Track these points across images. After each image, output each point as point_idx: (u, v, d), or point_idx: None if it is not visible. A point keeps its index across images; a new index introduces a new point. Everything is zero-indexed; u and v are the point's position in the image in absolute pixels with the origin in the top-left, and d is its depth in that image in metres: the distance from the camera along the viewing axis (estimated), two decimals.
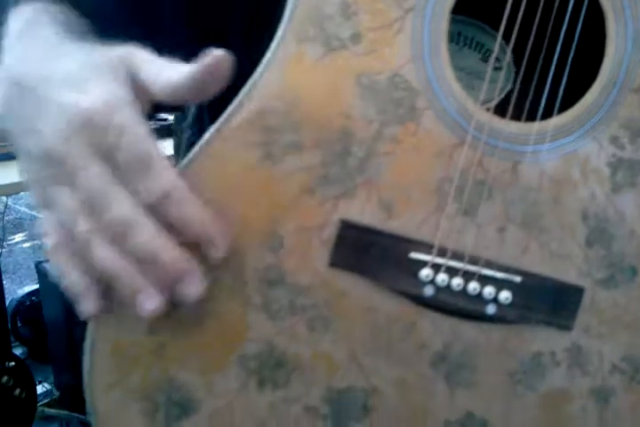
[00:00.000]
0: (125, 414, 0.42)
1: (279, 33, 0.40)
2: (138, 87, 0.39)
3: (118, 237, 0.37)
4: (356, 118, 0.42)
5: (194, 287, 0.38)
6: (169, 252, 0.37)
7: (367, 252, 0.42)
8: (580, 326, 0.45)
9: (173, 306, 0.39)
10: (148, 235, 0.37)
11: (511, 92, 0.49)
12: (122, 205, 0.36)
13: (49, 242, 0.38)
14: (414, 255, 0.42)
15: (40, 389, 1.55)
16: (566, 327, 0.45)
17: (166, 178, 0.37)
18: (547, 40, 0.45)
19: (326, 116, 0.41)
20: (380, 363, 0.43)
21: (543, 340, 0.45)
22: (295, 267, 0.42)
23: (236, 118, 0.41)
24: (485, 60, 0.51)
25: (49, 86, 0.39)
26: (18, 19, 0.47)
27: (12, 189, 1.40)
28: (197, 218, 0.38)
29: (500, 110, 0.45)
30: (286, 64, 0.41)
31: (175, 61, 0.39)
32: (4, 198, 2.03)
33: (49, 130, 0.37)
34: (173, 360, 0.42)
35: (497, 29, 0.43)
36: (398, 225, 0.43)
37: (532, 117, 0.44)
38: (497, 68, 0.50)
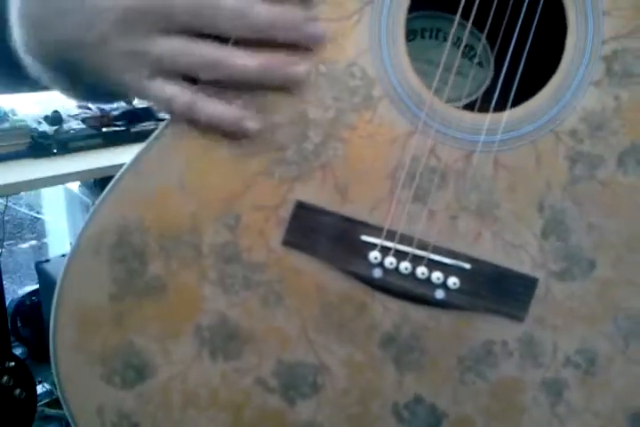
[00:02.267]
0: (85, 375, 0.45)
1: None
2: None
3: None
4: (313, 104, 0.44)
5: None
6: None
7: (320, 233, 0.44)
8: (534, 316, 0.46)
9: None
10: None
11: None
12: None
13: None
14: (365, 238, 0.44)
15: (40, 389, 1.56)
16: (518, 317, 0.45)
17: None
18: (515, 35, 0.45)
19: (284, 100, 0.43)
20: (330, 341, 0.45)
21: (494, 328, 0.45)
22: (250, 244, 0.44)
23: None
24: (465, 56, 0.53)
25: None
26: None
27: (11, 190, 1.39)
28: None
29: (474, 104, 0.46)
30: None
31: None
32: (4, 199, 2.04)
33: None
34: (133, 326, 0.44)
35: (478, 26, 0.45)
36: (351, 208, 0.44)
37: (501, 109, 0.45)
38: (477, 64, 0.52)
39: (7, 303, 1.60)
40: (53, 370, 0.45)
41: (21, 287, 1.98)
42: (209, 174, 0.44)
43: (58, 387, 0.45)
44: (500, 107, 0.45)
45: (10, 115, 1.46)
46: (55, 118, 1.48)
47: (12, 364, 1.30)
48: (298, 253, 0.44)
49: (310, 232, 0.44)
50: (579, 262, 0.46)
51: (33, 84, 0.56)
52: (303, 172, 0.44)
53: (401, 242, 0.44)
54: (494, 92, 0.45)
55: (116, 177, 0.44)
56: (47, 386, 1.61)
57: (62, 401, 0.45)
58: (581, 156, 0.45)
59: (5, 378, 1.27)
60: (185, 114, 0.42)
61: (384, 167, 0.44)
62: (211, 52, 0.41)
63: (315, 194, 0.44)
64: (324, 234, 0.44)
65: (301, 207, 0.44)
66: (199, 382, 0.45)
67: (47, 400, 1.56)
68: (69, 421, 0.45)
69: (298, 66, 0.42)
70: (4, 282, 1.54)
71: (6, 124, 1.41)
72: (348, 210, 0.44)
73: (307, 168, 0.44)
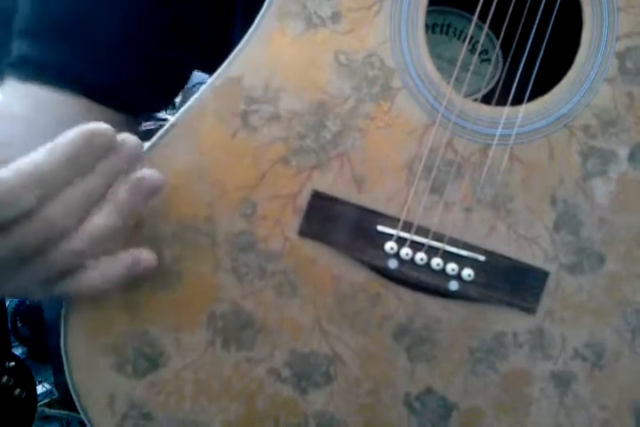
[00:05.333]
0: (96, 364, 0.44)
1: (263, 7, 0.43)
2: None
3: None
4: (332, 94, 0.44)
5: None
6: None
7: (336, 222, 0.44)
8: (544, 309, 0.46)
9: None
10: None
11: (498, 81, 0.51)
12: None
13: None
14: (381, 228, 0.44)
15: (40, 389, 1.52)
16: (529, 310, 0.46)
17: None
18: (534, 30, 0.46)
19: (304, 90, 0.43)
20: (343, 331, 0.45)
21: (506, 320, 0.46)
22: (266, 233, 0.44)
23: (216, 87, 0.43)
24: (474, 51, 0.53)
25: None
26: None
27: None
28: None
29: (489, 98, 0.47)
30: (268, 38, 0.43)
31: None
32: None
33: None
34: (146, 315, 0.44)
35: (492, 23, 0.45)
36: (368, 198, 0.44)
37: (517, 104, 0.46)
38: (485, 60, 0.52)
39: (7, 303, 1.57)
40: (63, 359, 0.44)
41: None
42: (226, 163, 0.44)
43: (68, 377, 0.44)
44: (512, 102, 0.46)
45: None
46: None
47: (12, 364, 1.28)
48: (313, 243, 0.44)
49: (326, 222, 0.44)
50: (589, 256, 0.46)
51: None
52: (321, 161, 0.44)
53: (417, 233, 0.44)
54: (509, 86, 0.46)
55: None
56: (47, 386, 1.59)
57: (72, 391, 0.44)
58: (594, 151, 0.46)
59: (5, 378, 1.24)
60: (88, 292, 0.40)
61: (401, 158, 0.44)
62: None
63: (332, 183, 0.44)
64: (340, 224, 0.44)
65: (318, 197, 0.44)
66: (211, 372, 0.44)
67: (47, 400, 1.54)
68: (79, 410, 0.44)
69: (146, 261, 0.41)
70: None
71: None
72: (365, 200, 0.44)
73: (324, 157, 0.44)
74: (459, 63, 0.45)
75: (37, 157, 0.35)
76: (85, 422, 0.44)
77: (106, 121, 0.37)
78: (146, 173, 0.38)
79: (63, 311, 0.44)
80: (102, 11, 0.54)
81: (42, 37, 0.54)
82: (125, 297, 0.44)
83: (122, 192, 0.38)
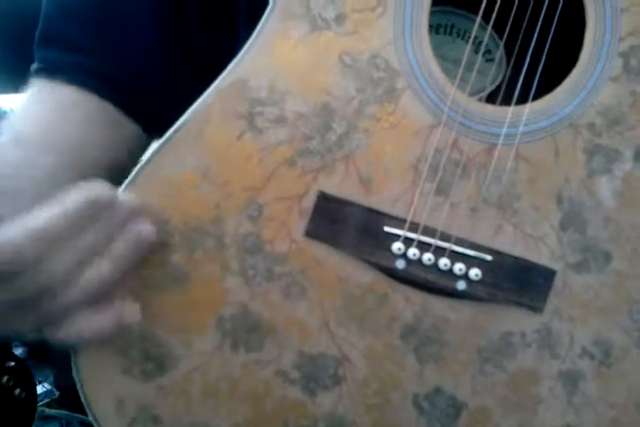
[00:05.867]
0: (105, 367, 0.44)
1: (267, 10, 0.43)
2: None
3: None
4: (337, 95, 0.44)
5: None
6: None
7: (343, 224, 0.44)
8: (551, 308, 0.46)
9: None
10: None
11: (502, 81, 0.51)
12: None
13: None
14: (387, 229, 0.44)
15: (40, 389, 1.50)
16: (537, 309, 0.46)
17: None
18: (537, 30, 0.46)
19: (309, 92, 0.43)
20: (351, 332, 0.45)
21: (513, 320, 0.46)
22: (273, 235, 0.44)
23: (221, 89, 0.43)
24: (478, 51, 0.53)
25: None
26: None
27: None
28: None
29: (491, 98, 0.47)
30: (272, 40, 0.43)
31: None
32: None
33: None
34: (155, 317, 0.44)
35: (496, 23, 0.45)
36: (374, 200, 0.44)
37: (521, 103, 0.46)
38: (489, 60, 0.52)
39: None
40: (72, 362, 0.44)
41: None
42: (232, 165, 0.44)
43: (76, 379, 0.44)
44: (516, 101, 0.46)
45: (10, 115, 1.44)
46: None
47: (12, 364, 1.28)
48: (320, 245, 0.44)
49: (333, 223, 0.44)
50: (595, 255, 0.46)
51: None
52: (326, 163, 0.44)
53: (424, 233, 0.44)
54: (514, 86, 0.46)
55: (138, 166, 0.43)
56: (47, 386, 1.58)
57: (80, 394, 0.44)
58: (599, 149, 0.46)
59: (5, 378, 1.24)
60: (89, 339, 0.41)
61: (407, 159, 0.44)
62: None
63: (338, 185, 0.44)
64: (346, 225, 0.44)
65: (324, 198, 0.44)
66: (220, 374, 0.44)
67: (47, 400, 1.53)
68: (87, 413, 0.44)
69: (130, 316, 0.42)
70: None
71: None
72: (371, 201, 0.44)
73: (330, 159, 0.44)
74: (463, 63, 0.45)
75: (41, 216, 0.38)
76: (94, 424, 0.44)
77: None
78: (143, 228, 0.41)
79: None
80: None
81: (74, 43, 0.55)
82: (134, 300, 0.44)
83: (119, 246, 0.40)
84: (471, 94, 0.48)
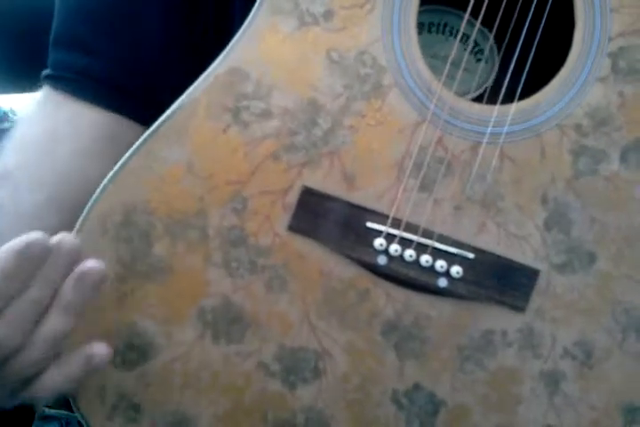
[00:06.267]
0: None
1: (255, 5, 0.43)
2: None
3: None
4: (323, 91, 0.44)
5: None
6: None
7: (326, 219, 0.45)
8: (534, 308, 0.46)
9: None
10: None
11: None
12: None
13: None
14: (370, 225, 0.44)
15: None
16: (519, 308, 0.46)
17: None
18: (525, 29, 0.46)
19: (295, 87, 0.44)
20: (332, 327, 0.45)
21: (495, 318, 0.46)
22: (257, 229, 0.44)
23: (208, 83, 0.44)
24: (470, 50, 0.53)
25: None
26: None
27: None
28: None
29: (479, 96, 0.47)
30: (260, 35, 0.44)
31: None
32: None
33: None
34: (137, 307, 0.44)
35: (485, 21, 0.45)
36: (358, 195, 0.45)
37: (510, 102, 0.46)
38: (480, 60, 0.52)
39: None
40: None
41: None
42: (217, 158, 0.44)
43: None
44: (504, 100, 0.46)
45: (10, 115, 1.45)
46: None
47: None
48: (303, 239, 0.45)
49: (316, 218, 0.44)
50: (579, 256, 0.46)
51: (33, 84, 0.56)
52: (311, 158, 0.44)
53: (406, 230, 0.44)
54: (501, 85, 0.46)
55: (124, 158, 0.44)
56: None
57: None
58: (585, 150, 0.46)
59: None
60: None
61: (391, 156, 0.45)
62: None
63: (322, 180, 0.44)
64: (329, 220, 0.45)
65: (308, 193, 0.44)
66: (201, 365, 0.45)
67: None
68: (70, 402, 0.44)
69: (100, 356, 0.41)
70: None
71: (6, 124, 1.41)
72: (355, 197, 0.45)
73: (315, 154, 0.44)
74: (449, 60, 0.45)
75: None
76: (75, 412, 0.45)
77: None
78: (87, 265, 0.39)
79: None
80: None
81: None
82: (116, 289, 0.44)
83: (67, 293, 0.39)
84: (461, 93, 0.48)
